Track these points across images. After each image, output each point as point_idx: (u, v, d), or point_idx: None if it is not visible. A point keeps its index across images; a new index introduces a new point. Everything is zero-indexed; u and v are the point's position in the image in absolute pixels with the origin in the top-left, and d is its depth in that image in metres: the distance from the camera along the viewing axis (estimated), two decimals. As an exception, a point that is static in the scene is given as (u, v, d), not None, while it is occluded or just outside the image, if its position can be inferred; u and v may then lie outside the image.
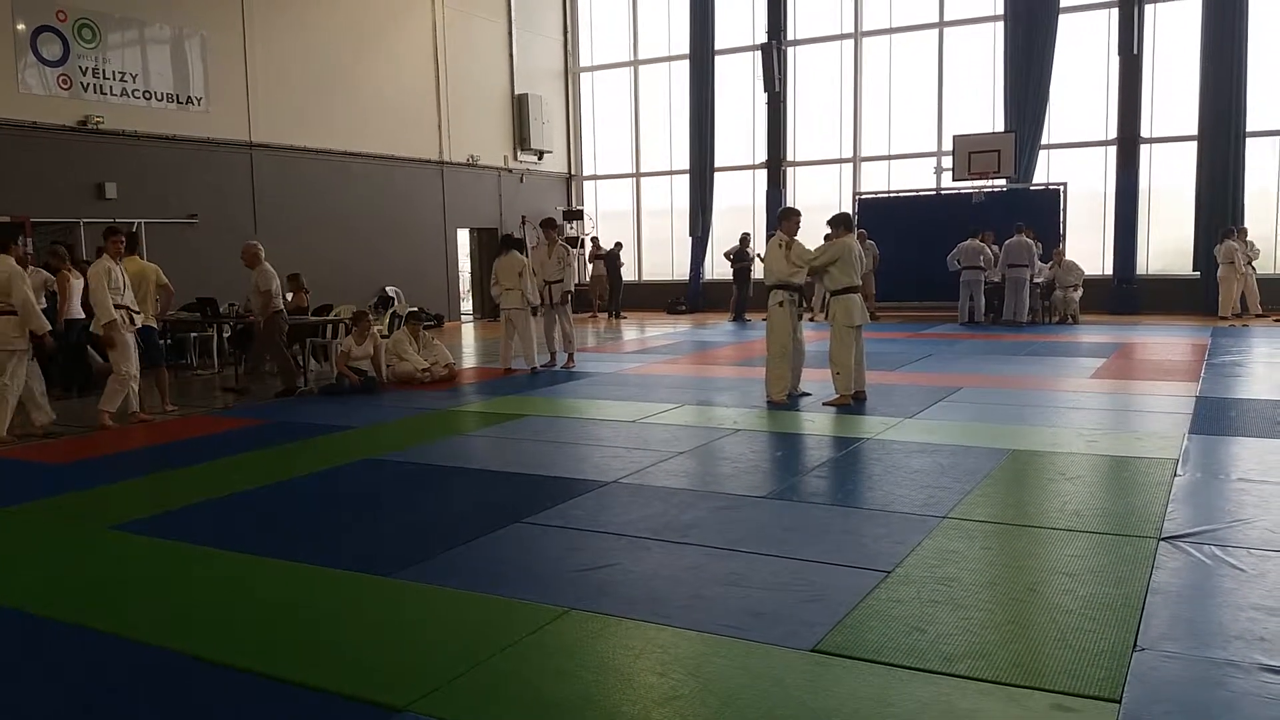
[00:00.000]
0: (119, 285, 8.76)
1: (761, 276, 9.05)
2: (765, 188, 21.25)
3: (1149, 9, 17.68)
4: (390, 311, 15.33)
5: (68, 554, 5.06)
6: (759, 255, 19.09)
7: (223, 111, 15.21)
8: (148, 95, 14.22)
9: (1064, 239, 17.57)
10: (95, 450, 7.82)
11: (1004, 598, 4.05)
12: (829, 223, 9.16)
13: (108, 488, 6.49)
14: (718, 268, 21.14)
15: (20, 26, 12.71)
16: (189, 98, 14.77)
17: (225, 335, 13.30)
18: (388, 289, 17.54)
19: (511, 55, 21.33)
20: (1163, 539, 4.67)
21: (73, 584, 4.58)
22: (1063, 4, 18.07)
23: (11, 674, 3.59)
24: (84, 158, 13.38)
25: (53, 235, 12.29)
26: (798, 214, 9.29)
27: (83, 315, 10.46)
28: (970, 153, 17.98)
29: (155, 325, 9.70)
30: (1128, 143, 17.94)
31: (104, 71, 13.66)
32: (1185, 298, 17.57)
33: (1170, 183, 18.25)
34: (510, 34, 21.27)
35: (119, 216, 13.38)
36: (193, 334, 13.45)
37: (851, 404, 8.58)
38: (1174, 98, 17.86)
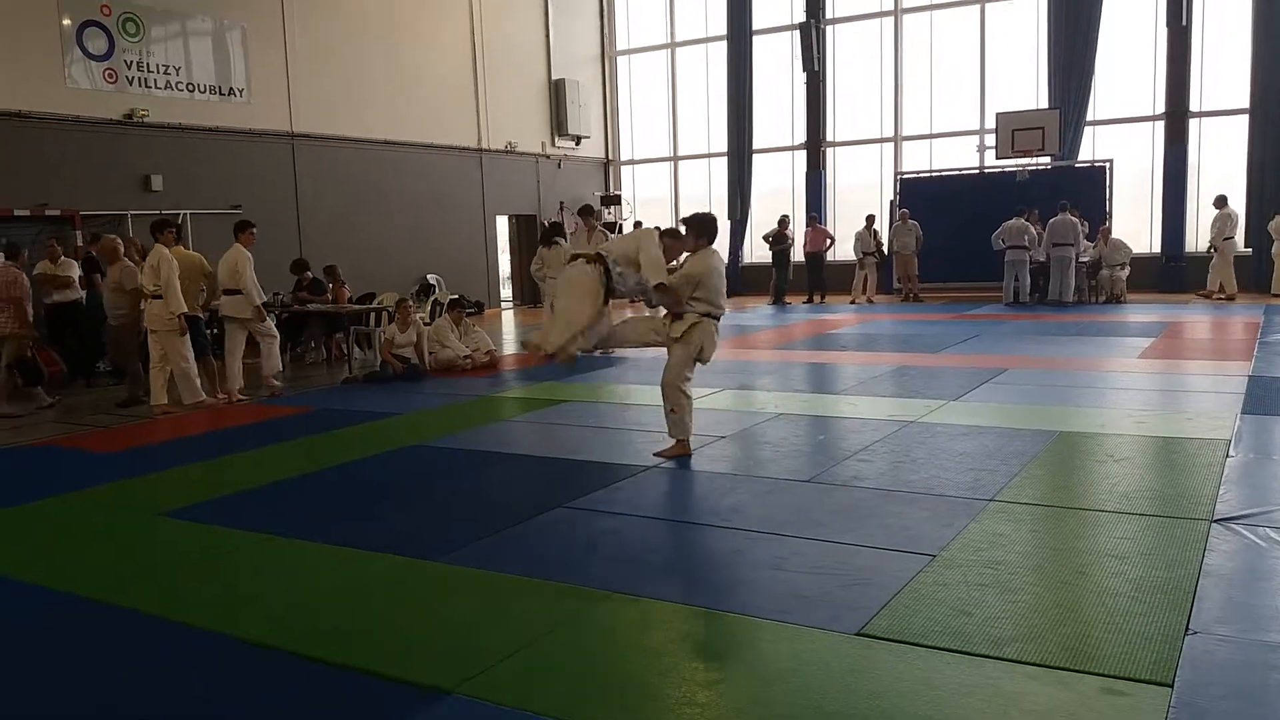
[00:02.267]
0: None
1: (623, 259, 6.40)
2: (805, 169, 21.09)
3: (1199, -22, 17.25)
4: (431, 299, 15.45)
5: (120, 540, 5.17)
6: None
7: (264, 102, 15.35)
8: (191, 87, 14.39)
9: (1110, 217, 17.24)
10: (145, 438, 7.98)
11: (1052, 581, 4.01)
12: (685, 222, 6.71)
13: (158, 475, 6.61)
14: (756, 251, 21.03)
15: (66, 21, 12.91)
16: (231, 89, 14.92)
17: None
18: (429, 277, 17.67)
19: (548, 40, 21.30)
20: (1215, 521, 4.59)
21: (125, 569, 4.67)
22: (1109, -25, 17.69)
23: (67, 657, 3.68)
24: (130, 151, 13.57)
25: (97, 228, 12.49)
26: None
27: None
28: (1014, 130, 17.67)
29: (201, 315, 9.84)
30: (1176, 117, 17.55)
31: (148, 65, 13.83)
32: (1237, 275, 17.17)
33: (1221, 158, 17.80)
34: (547, 19, 21.23)
35: (164, 208, 13.57)
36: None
37: (691, 453, 6.37)
38: (1225, 70, 17.41)
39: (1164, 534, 4.47)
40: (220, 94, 14.77)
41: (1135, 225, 17.79)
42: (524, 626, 3.72)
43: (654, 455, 6.32)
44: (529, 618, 3.82)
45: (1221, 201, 16.19)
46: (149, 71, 13.85)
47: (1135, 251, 16.68)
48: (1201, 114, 17.66)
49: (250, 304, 9.67)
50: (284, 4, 15.63)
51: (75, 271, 11.10)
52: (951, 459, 6.01)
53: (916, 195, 18.94)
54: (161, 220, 9.79)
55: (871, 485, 5.51)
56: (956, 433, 6.74)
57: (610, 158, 23.41)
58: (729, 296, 6.79)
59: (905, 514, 4.91)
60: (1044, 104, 18.22)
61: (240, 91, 15.03)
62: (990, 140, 18.48)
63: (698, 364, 6.38)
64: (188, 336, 9.18)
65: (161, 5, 13.98)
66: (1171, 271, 17.55)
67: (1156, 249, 17.89)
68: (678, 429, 6.36)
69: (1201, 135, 17.79)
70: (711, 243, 6.56)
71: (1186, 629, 3.43)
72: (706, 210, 6.78)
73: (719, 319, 6.43)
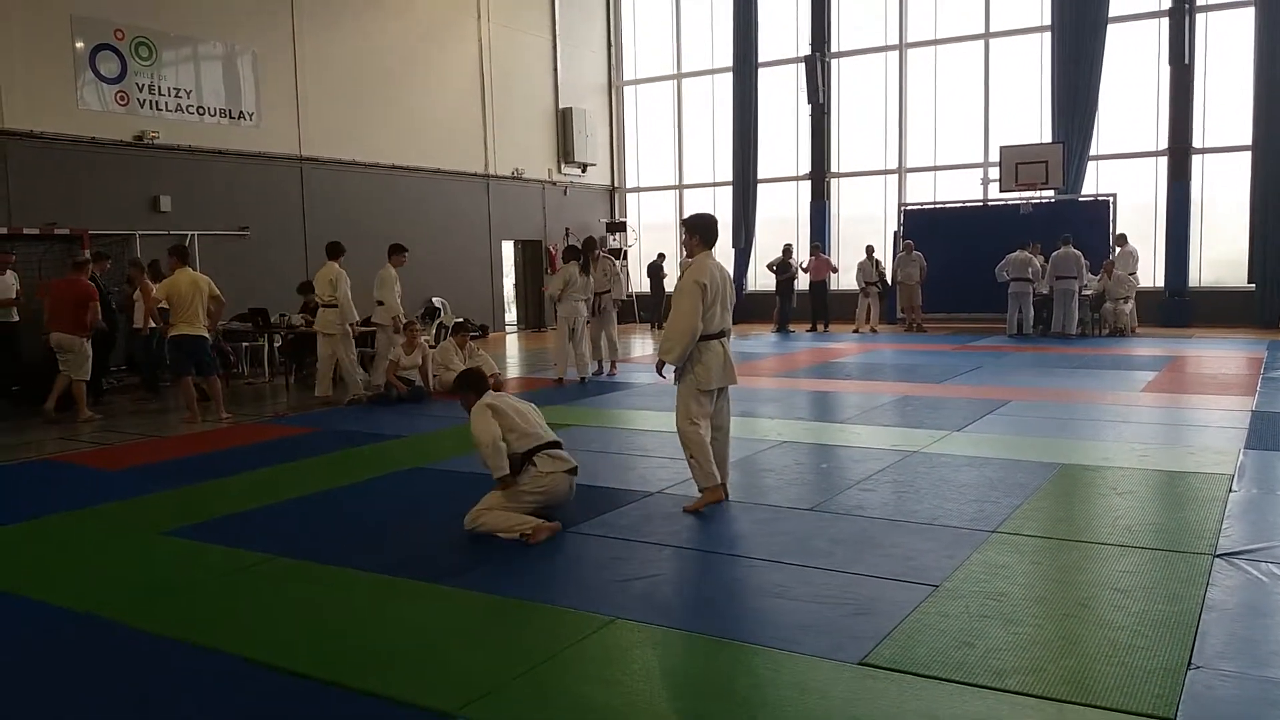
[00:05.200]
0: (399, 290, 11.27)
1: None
2: (809, 199, 21.21)
3: (1200, 18, 17.39)
4: (437, 322, 15.51)
5: (122, 558, 5.17)
6: (802, 266, 19.13)
7: (274, 126, 15.48)
8: (201, 111, 14.51)
9: (1114, 251, 17.30)
10: (149, 457, 7.98)
11: (1055, 613, 4.01)
12: (686, 226, 5.99)
13: (161, 494, 6.61)
14: (760, 279, 21.11)
15: (79, 45, 13.04)
16: (241, 113, 15.05)
17: (276, 345, 13.52)
18: (434, 300, 17.72)
19: (556, 70, 21.50)
20: (1218, 555, 4.59)
21: (127, 587, 4.67)
22: (1111, 14, 17.83)
23: (69, 675, 3.68)
24: (140, 172, 13.67)
25: (105, 247, 12.56)
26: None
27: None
28: (1017, 164, 17.79)
29: (208, 336, 9.89)
30: (1179, 153, 17.66)
31: (159, 88, 13.97)
32: (1240, 310, 17.23)
33: (1224, 193, 17.90)
34: (555, 49, 21.44)
35: (172, 229, 13.67)
36: (244, 344, 13.69)
37: (724, 500, 5.80)
38: (1227, 107, 17.54)
39: (1167, 568, 4.47)
40: (230, 117, 14.90)
41: (1139, 259, 17.82)
42: (528, 651, 3.72)
43: (684, 510, 5.69)
44: (533, 642, 3.82)
45: (1123, 240, 17.04)
46: (160, 94, 13.98)
47: (1139, 285, 16.74)
48: (1204, 150, 17.76)
49: (389, 314, 11.20)
50: (295, 30, 15.79)
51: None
52: (954, 490, 6.02)
53: (920, 226, 19.03)
54: (334, 244, 10.99)
55: (875, 515, 5.51)
56: (960, 463, 6.74)
57: (616, 185, 23.56)
58: (733, 324, 6.35)
59: (908, 544, 4.92)
60: (1048, 138, 18.35)
61: (250, 115, 15.16)
62: (994, 173, 18.60)
63: (719, 393, 5.87)
64: (352, 340, 10.80)
65: (174, 30, 14.14)
66: (1175, 306, 17.59)
67: (1159, 283, 17.94)
68: (701, 476, 5.75)
69: (1204, 171, 17.88)
70: (707, 248, 5.83)
71: (1189, 664, 3.43)
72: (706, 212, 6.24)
73: (719, 338, 5.77)
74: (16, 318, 10.92)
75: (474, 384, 5.70)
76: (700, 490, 5.81)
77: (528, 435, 5.50)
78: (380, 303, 11.27)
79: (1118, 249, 16.96)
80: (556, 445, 5.59)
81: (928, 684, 3.32)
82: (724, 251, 21.93)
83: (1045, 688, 3.26)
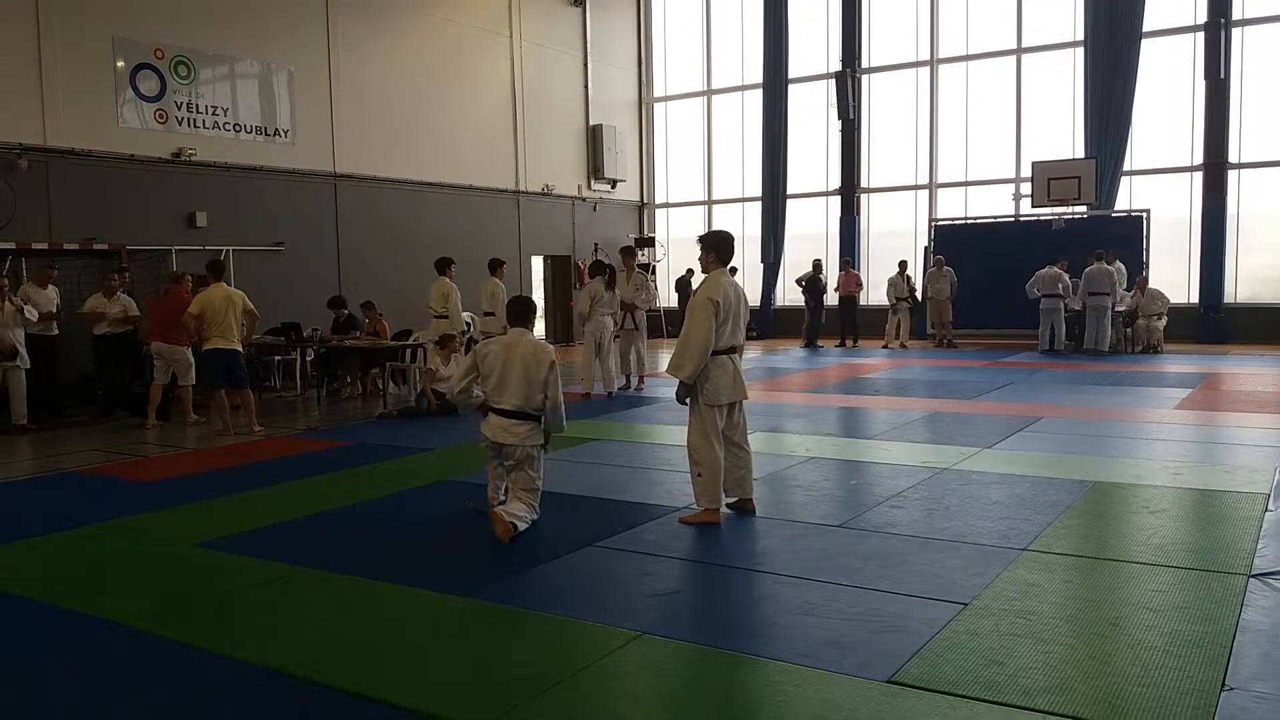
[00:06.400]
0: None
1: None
2: (839, 214, 21.18)
3: (1236, 32, 17.24)
4: (467, 336, 15.57)
5: (155, 569, 5.25)
6: (833, 287, 19.07)
7: (308, 143, 15.68)
8: (237, 128, 14.73)
9: (1147, 266, 17.14)
10: (182, 469, 8.09)
11: (1085, 632, 3.97)
12: (700, 239, 6.10)
13: (195, 505, 6.69)
14: (789, 294, 21.08)
15: (120, 64, 13.29)
16: (276, 130, 15.26)
17: (309, 359, 13.66)
18: (465, 315, 17.81)
19: (586, 87, 21.63)
20: (1253, 576, 4.53)
21: (162, 599, 4.74)
22: (1145, 28, 17.71)
23: (101, 684, 3.74)
24: (177, 188, 13.89)
25: (143, 263, 12.77)
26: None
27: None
28: (1050, 179, 17.67)
29: (241, 349, 10.01)
30: (1215, 168, 17.48)
31: (197, 106, 14.20)
32: (1277, 327, 16.98)
33: (1261, 208, 17.67)
34: (585, 66, 21.59)
35: (208, 245, 13.87)
36: (277, 357, 13.84)
37: (720, 522, 5.78)
38: (1264, 122, 17.34)
39: (1200, 588, 4.42)
40: (266, 134, 15.11)
41: (1173, 275, 17.66)
42: (553, 665, 3.74)
43: (679, 521, 5.83)
44: (558, 656, 3.84)
45: (1101, 255, 16.52)
46: (198, 112, 14.21)
47: (1173, 302, 16.56)
48: (1240, 165, 17.56)
49: (499, 325, 11.52)
50: (330, 49, 16.00)
51: (130, 308, 11.32)
52: (985, 507, 5.98)
53: (951, 242, 18.94)
54: (444, 259, 12.45)
55: (904, 532, 5.49)
56: (990, 481, 6.70)
57: (645, 201, 23.64)
58: (762, 339, 6.43)
59: (938, 561, 4.89)
60: (1080, 153, 18.21)
61: (285, 132, 15.37)
62: (1026, 189, 18.49)
63: (733, 408, 5.92)
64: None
65: (213, 49, 14.38)
66: (1210, 322, 17.37)
67: (1194, 299, 17.73)
68: (703, 495, 5.80)
69: (1240, 186, 17.68)
70: (722, 265, 5.91)
71: (1223, 685, 3.39)
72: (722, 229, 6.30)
73: (729, 353, 5.80)
74: (56, 331, 11.11)
75: (513, 312, 6.07)
76: (700, 505, 5.83)
77: (492, 391, 5.81)
78: (490, 314, 12.57)
79: (1111, 265, 16.32)
80: (514, 415, 5.76)
81: (956, 702, 3.30)
82: (753, 267, 22.05)
83: (1075, 708, 3.24)
